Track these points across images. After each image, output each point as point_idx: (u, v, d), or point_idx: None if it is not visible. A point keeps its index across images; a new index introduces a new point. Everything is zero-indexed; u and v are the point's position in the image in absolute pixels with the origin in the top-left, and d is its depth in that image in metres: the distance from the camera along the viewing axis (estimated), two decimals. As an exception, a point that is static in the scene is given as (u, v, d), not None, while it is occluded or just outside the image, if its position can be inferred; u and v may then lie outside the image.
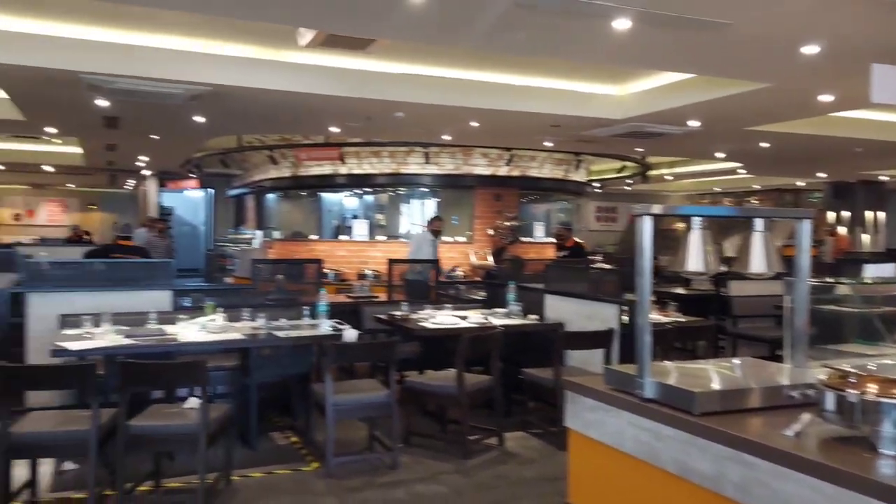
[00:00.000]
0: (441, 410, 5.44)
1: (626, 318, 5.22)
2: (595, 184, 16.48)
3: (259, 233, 14.03)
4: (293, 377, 5.36)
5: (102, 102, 7.62)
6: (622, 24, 4.74)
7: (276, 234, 13.52)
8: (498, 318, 5.80)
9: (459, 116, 8.43)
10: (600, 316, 5.42)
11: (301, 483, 4.31)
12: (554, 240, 11.75)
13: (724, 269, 3.17)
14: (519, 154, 11.92)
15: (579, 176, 13.29)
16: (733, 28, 4.86)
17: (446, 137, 10.31)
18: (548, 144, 10.92)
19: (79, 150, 13.70)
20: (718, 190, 19.95)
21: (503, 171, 11.99)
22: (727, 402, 2.18)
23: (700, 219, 2.45)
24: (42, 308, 5.27)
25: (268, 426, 5.35)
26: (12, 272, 7.04)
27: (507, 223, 11.64)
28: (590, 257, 9.97)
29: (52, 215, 22.55)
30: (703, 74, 6.89)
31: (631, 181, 16.97)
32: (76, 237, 15.96)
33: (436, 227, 9.46)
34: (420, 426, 5.23)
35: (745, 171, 15.65)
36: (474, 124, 8.91)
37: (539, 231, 12.79)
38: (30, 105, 8.32)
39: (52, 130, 10.81)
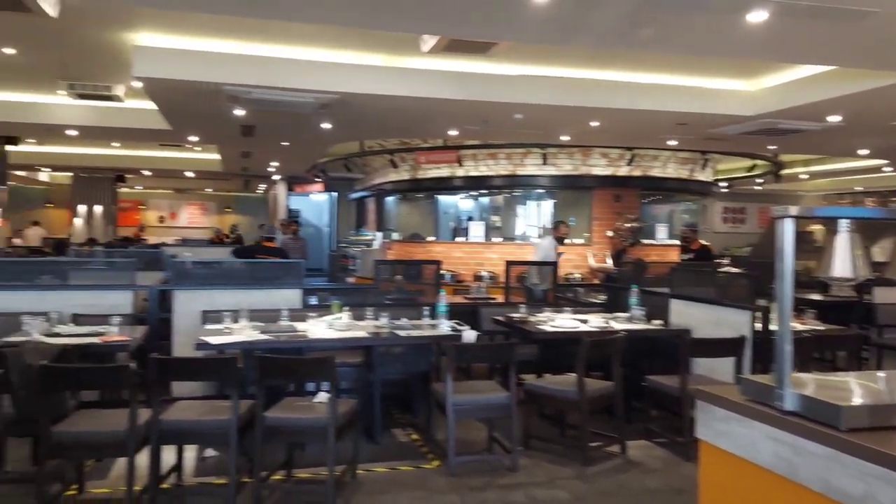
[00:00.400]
0: (559, 414, 5.39)
1: (759, 326, 4.96)
2: (722, 183, 15.74)
3: (379, 234, 14.47)
4: (414, 375, 5.49)
5: (240, 112, 8.13)
6: (758, 16, 4.51)
7: (395, 236, 13.87)
8: (620, 323, 5.67)
9: (580, 116, 8.31)
10: (730, 322, 5.18)
11: (423, 479, 4.40)
12: (679, 242, 11.36)
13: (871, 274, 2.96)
14: (640, 154, 11.60)
15: (705, 175, 12.74)
16: (880, 16, 4.51)
17: (565, 138, 10.20)
18: (672, 143, 10.55)
19: (217, 156, 14.69)
20: (859, 189, 18.47)
21: (623, 171, 11.69)
22: (877, 418, 2.05)
23: (847, 221, 2.30)
24: (187, 304, 5.69)
25: (390, 422, 5.50)
26: (159, 271, 7.67)
27: (628, 225, 11.32)
28: (717, 261, 9.55)
29: (192, 217, 24.32)
30: (846, 66, 6.42)
31: (761, 180, 16.07)
32: (218, 239, 17.14)
33: (562, 234, 9.32)
34: (538, 429, 5.20)
35: (891, 169, 14.42)
36: (594, 124, 8.76)
37: (661, 233, 12.35)
38: (176, 115, 9.01)
39: (194, 139, 11.65)
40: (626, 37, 5.36)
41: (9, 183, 12.57)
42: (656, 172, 11.93)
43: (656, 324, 5.72)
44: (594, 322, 5.65)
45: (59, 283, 5.81)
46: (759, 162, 13.78)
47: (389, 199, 15.14)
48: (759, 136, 9.08)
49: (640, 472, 4.62)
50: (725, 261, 10.70)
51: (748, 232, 19.41)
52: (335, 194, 20.16)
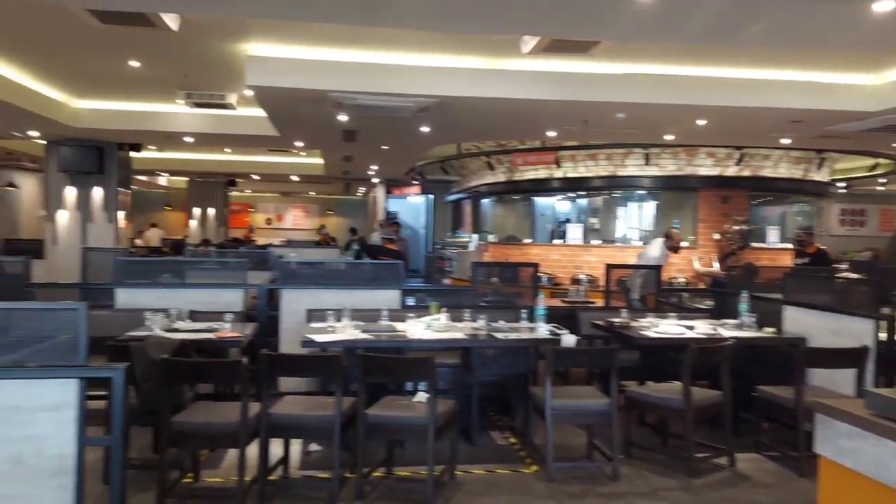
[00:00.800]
0: (662, 423, 5.22)
1: (883, 335, 4.62)
2: (839, 184, 14.82)
3: (475, 236, 14.52)
4: (511, 377, 5.46)
5: (343, 117, 8.37)
6: (885, 5, 4.21)
7: (491, 238, 13.89)
8: (728, 330, 5.42)
9: (685, 115, 8.04)
10: (850, 331, 4.85)
11: (521, 484, 4.37)
12: (793, 245, 10.80)
13: None
14: (750, 153, 11.09)
15: (821, 175, 12.03)
16: None
17: (669, 137, 9.89)
18: (785, 142, 10.02)
19: (320, 161, 15.20)
20: None
21: (731, 171, 11.22)
22: None
23: None
24: (293, 303, 5.90)
25: (487, 424, 5.50)
26: (267, 270, 8.01)
27: (736, 227, 10.85)
28: (834, 265, 8.99)
29: (296, 220, 25.31)
30: None
31: (884, 180, 15.00)
32: (325, 242, 17.81)
33: (675, 243, 8.85)
34: (639, 438, 5.06)
35: None
36: (701, 123, 8.44)
37: (773, 236, 11.76)
38: (284, 122, 9.39)
39: (300, 144, 12.11)
40: (737, 33, 5.13)
41: (132, 187, 13.46)
42: (767, 172, 11.39)
43: (768, 331, 5.44)
44: (701, 328, 5.44)
45: (178, 282, 6.16)
46: (881, 160, 12.88)
47: (486, 201, 15.18)
48: (884, 133, 8.48)
49: (749, 487, 4.40)
50: (844, 266, 10.05)
51: (868, 235, 18.15)
52: (432, 196, 20.42)
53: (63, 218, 11.67)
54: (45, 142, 11.60)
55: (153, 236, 19.15)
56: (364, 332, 4.94)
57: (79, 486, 2.52)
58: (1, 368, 2.53)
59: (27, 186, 17.56)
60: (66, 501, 2.49)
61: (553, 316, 5.44)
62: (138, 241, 17.71)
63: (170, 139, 11.82)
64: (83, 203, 11.69)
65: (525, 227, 13.81)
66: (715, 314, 6.32)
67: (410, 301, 6.60)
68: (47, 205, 11.84)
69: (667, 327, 5.40)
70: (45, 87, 9.00)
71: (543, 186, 12.67)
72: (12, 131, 10.75)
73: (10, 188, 16.66)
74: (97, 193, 11.74)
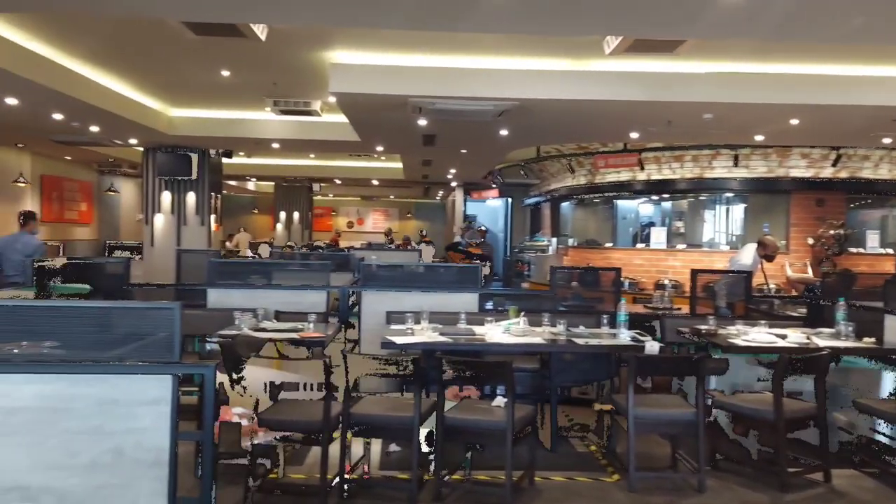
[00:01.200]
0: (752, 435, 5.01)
1: None
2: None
3: (554, 240, 14.36)
4: (591, 384, 5.36)
5: (422, 122, 8.46)
6: None
7: (571, 242, 13.70)
8: (823, 339, 5.15)
9: (777, 114, 7.71)
10: (962, 344, 4.52)
11: (602, 492, 4.29)
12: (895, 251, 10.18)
13: None
14: (848, 153, 10.52)
15: (927, 176, 11.27)
16: None
17: (759, 138, 9.51)
18: (887, 141, 9.46)
19: (399, 165, 15.42)
20: None
21: (827, 172, 10.67)
22: None
23: None
24: (374, 305, 5.99)
25: (567, 431, 5.42)
26: (349, 272, 8.17)
27: (832, 231, 10.31)
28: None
29: (376, 223, 25.77)
30: None
31: None
32: (403, 246, 18.11)
33: (770, 252, 8.26)
34: (726, 449, 4.86)
35: None
36: (794, 122, 8.07)
37: (872, 241, 11.10)
38: (364, 127, 9.58)
39: (380, 149, 12.32)
40: (832, 28, 4.87)
41: (222, 191, 14.02)
42: (867, 174, 10.77)
43: (867, 342, 5.13)
44: (794, 337, 5.18)
45: (265, 283, 6.36)
46: None
47: (565, 204, 15.00)
48: None
49: (847, 505, 4.18)
50: (953, 273, 9.38)
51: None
52: (510, 200, 20.34)
53: (159, 221, 12.28)
54: (142, 148, 12.26)
55: (242, 239, 19.89)
56: (442, 334, 4.96)
57: (173, 478, 2.64)
58: (103, 363, 2.68)
59: (126, 191, 18.62)
60: (162, 492, 2.61)
61: (636, 322, 5.31)
62: (228, 244, 18.42)
63: (258, 145, 12.26)
64: (178, 207, 12.26)
65: (606, 230, 13.56)
66: (809, 322, 6.01)
67: (489, 305, 6.58)
68: (145, 208, 12.50)
69: (756, 335, 5.17)
70: (144, 97, 9.52)
71: (626, 189, 12.41)
72: (115, 139, 11.41)
73: (112, 193, 17.69)
74: (190, 198, 12.28)
